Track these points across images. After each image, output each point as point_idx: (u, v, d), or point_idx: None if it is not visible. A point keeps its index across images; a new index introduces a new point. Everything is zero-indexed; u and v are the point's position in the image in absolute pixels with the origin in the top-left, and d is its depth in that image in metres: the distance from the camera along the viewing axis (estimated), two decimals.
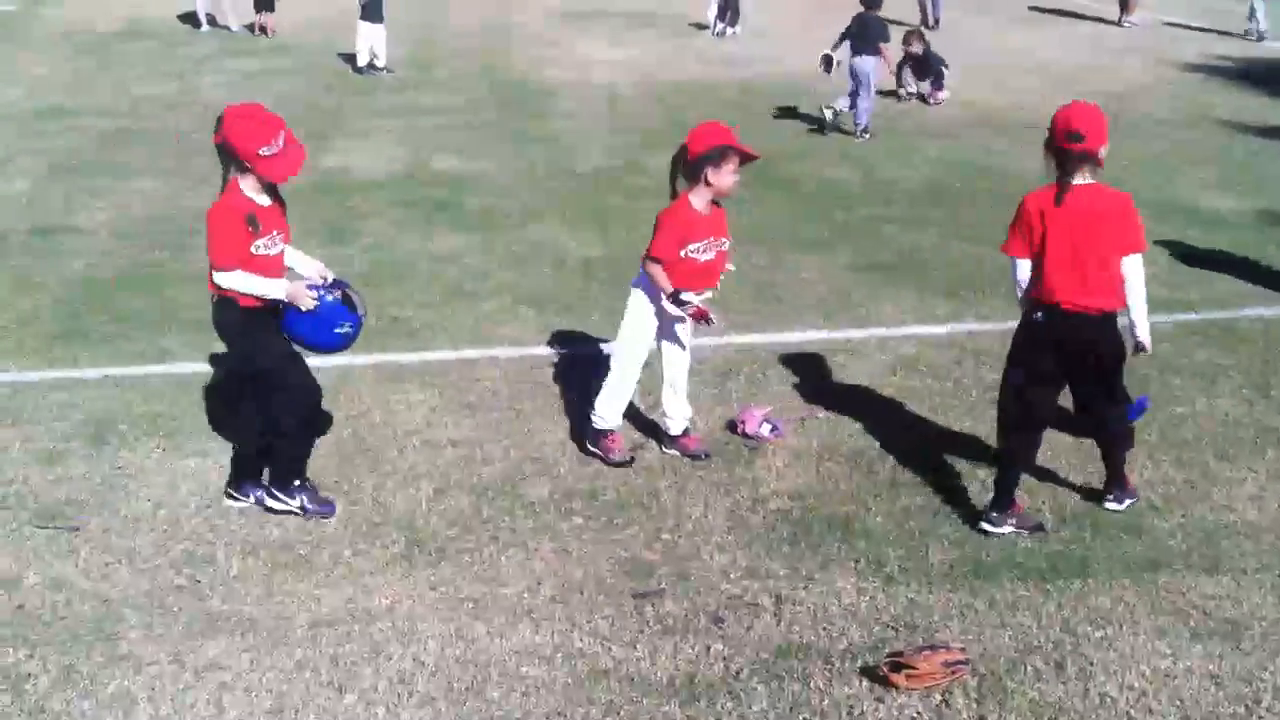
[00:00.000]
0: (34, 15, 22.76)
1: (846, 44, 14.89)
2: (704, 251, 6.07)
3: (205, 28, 21.31)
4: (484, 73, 18.25)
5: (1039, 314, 5.50)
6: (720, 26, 21.81)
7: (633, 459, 6.41)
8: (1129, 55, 20.04)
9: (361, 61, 17.94)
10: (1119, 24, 23.28)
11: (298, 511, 5.77)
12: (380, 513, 5.90)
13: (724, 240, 6.16)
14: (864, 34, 14.71)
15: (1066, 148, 5.35)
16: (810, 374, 7.57)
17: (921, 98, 16.41)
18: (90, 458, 6.41)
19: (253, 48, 19.97)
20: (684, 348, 6.44)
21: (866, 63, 14.55)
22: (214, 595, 5.20)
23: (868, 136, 14.46)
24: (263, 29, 20.89)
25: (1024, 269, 5.53)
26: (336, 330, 5.70)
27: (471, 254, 9.95)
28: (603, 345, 7.39)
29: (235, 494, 5.95)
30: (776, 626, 5.00)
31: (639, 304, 6.27)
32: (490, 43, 20.70)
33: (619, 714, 4.47)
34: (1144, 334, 5.55)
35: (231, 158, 5.48)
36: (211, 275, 5.48)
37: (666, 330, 6.36)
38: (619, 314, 6.40)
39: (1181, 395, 7.24)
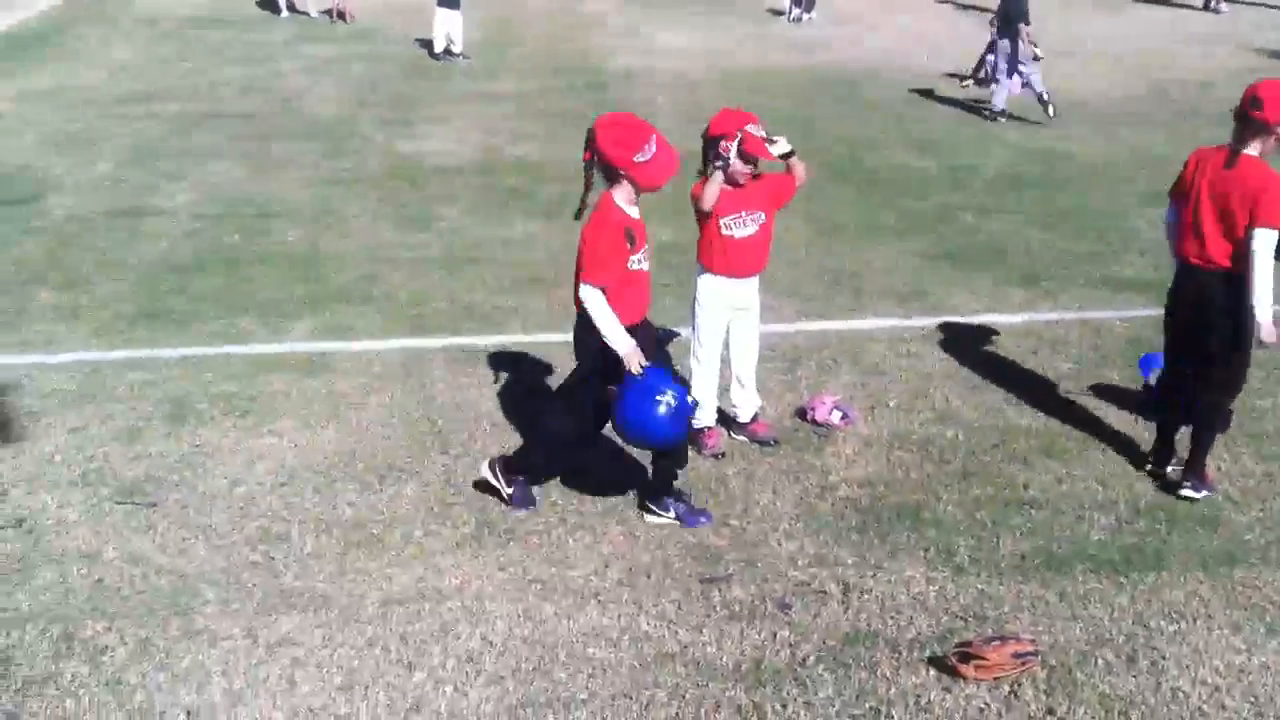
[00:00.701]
0: (119, 4, 23.15)
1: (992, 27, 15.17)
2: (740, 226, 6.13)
3: (285, 13, 21.55)
4: (559, 59, 18.30)
5: (1176, 269, 5.96)
6: (796, 12, 21.70)
7: (723, 454, 6.39)
8: (1214, 42, 19.67)
9: (438, 48, 18.06)
10: (1211, 9, 22.86)
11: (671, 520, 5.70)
12: (451, 494, 5.95)
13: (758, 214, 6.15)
14: (1003, 15, 14.90)
15: (1246, 113, 5.64)
16: (882, 361, 7.52)
17: (978, 82, 16.16)
18: (168, 436, 6.52)
19: (330, 34, 20.17)
20: (751, 340, 6.42)
21: (1004, 44, 14.68)
22: (288, 572, 5.27)
23: (1003, 120, 14.48)
24: (341, 15, 21.09)
25: (1172, 214, 5.96)
26: (658, 398, 5.36)
27: (545, 240, 9.99)
28: (676, 330, 7.38)
29: (655, 509, 5.75)
30: (844, 614, 4.98)
31: (703, 291, 6.25)
32: (565, 29, 20.75)
33: (684, 697, 4.47)
34: (1263, 314, 5.58)
35: (605, 169, 5.38)
36: (577, 290, 5.36)
37: (737, 321, 6.32)
38: (690, 298, 6.39)
39: (1261, 388, 7.10)
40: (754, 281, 6.29)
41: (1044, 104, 14.66)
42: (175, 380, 7.20)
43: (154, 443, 6.44)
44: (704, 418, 6.37)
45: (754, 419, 6.56)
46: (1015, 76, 14.81)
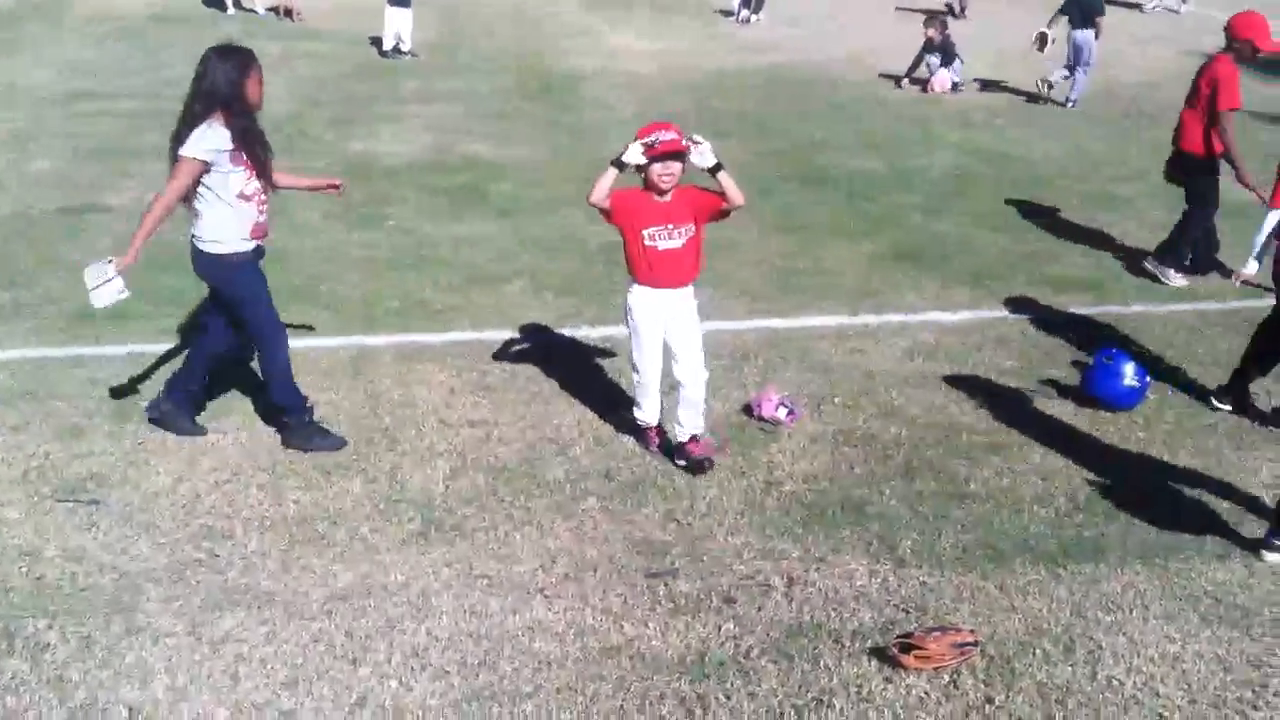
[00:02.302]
0: (64, 1, 22.89)
1: (1063, 19, 15.39)
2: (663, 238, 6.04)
3: (231, 10, 21.43)
4: (510, 59, 18.30)
5: None
6: (744, 14, 21.80)
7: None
8: (1155, 44, 19.96)
9: (387, 45, 18.02)
10: (1170, 9, 23.21)
11: None
12: (397, 490, 5.95)
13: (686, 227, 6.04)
14: (1083, 8, 15.16)
15: None
16: (828, 359, 7.58)
17: (922, 84, 16.33)
18: (112, 434, 6.47)
19: (279, 32, 20.06)
20: (689, 350, 6.17)
21: (1087, 36, 14.99)
22: (231, 569, 5.26)
23: (1074, 107, 15.02)
24: (288, 13, 20.99)
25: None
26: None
27: (496, 239, 10.00)
28: (624, 329, 7.40)
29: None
30: (788, 607, 5.03)
31: (632, 300, 6.19)
32: (516, 29, 20.75)
33: (629, 690, 4.50)
34: None
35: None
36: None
37: (672, 330, 6.16)
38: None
39: (1200, 383, 7.22)
40: (685, 291, 6.15)
41: (1047, 86, 15.39)
42: (118, 378, 7.14)
43: (97, 441, 6.40)
44: (646, 417, 6.39)
45: (692, 439, 6.25)
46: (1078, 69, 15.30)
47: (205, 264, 6.23)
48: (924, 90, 16.26)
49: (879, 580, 5.23)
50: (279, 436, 6.41)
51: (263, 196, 6.15)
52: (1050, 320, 8.31)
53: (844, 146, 13.46)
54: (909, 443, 6.49)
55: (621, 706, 4.42)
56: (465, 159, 12.69)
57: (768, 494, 5.97)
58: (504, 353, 7.58)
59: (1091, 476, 6.14)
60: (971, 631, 4.77)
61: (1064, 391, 7.07)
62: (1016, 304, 8.61)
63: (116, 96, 15.24)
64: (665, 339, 6.16)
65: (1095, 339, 7.77)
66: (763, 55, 18.68)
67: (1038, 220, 10.72)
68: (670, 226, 5.98)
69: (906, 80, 16.37)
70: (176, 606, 4.97)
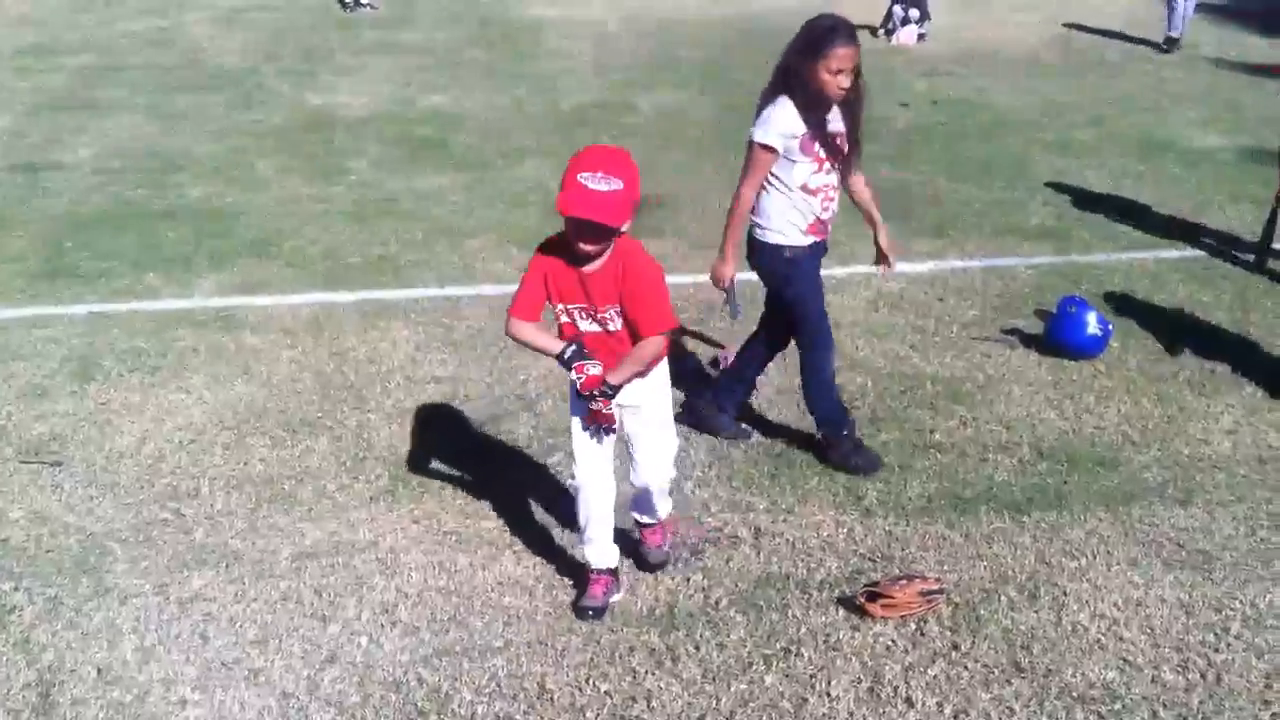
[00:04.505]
0: None
1: None
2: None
3: None
4: (470, 8, 18.11)
5: None
6: None
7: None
8: None
9: None
10: None
11: None
12: (364, 448, 5.93)
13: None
14: None
15: None
16: None
17: (888, 34, 16.29)
18: (74, 394, 6.42)
19: None
20: (648, 446, 4.75)
21: None
22: (198, 529, 5.24)
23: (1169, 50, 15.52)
24: None
25: None
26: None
27: (458, 192, 9.93)
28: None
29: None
30: (756, 558, 5.06)
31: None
32: None
33: (599, 643, 4.52)
34: None
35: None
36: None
37: (624, 419, 4.69)
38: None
39: (1163, 332, 7.27)
40: (644, 377, 4.53)
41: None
42: (81, 337, 7.08)
43: (60, 401, 6.34)
44: (593, 558, 4.78)
45: (646, 526, 5.04)
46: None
47: (763, 256, 5.70)
48: (889, 40, 16.20)
49: (845, 530, 5.26)
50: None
51: (830, 192, 5.51)
52: (1013, 270, 8.34)
53: None
54: (874, 393, 6.52)
55: (592, 659, 4.45)
56: (425, 111, 12.58)
57: (735, 446, 5.99)
58: (469, 309, 7.55)
59: (1055, 425, 6.19)
60: (937, 579, 4.81)
61: (1027, 341, 7.11)
62: (979, 254, 8.64)
63: (67, 51, 15.01)
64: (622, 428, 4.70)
65: (1058, 288, 7.80)
66: (726, 3, 18.56)
67: (1001, 170, 10.74)
68: (591, 308, 4.38)
69: (882, 32, 16.32)
70: (144, 567, 4.95)
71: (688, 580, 4.90)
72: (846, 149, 5.48)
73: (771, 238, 5.57)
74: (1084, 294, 7.46)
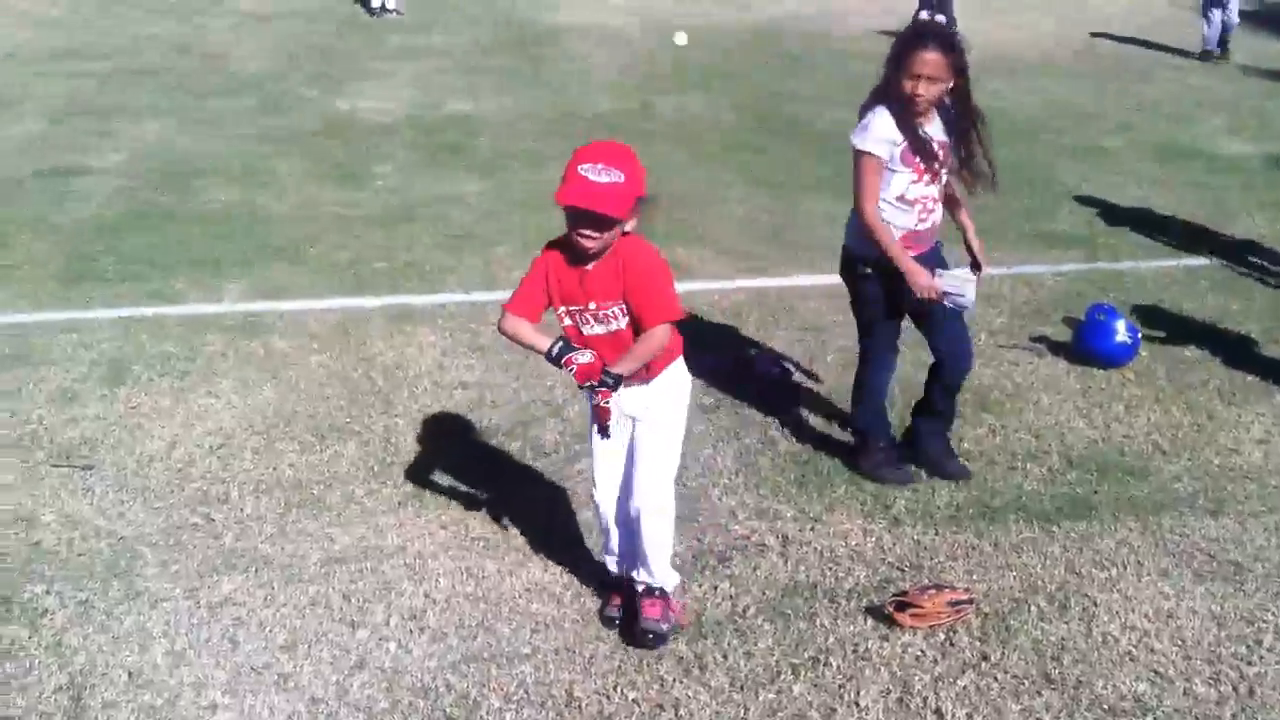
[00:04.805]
0: None
1: None
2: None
3: None
4: (493, 14, 18.17)
5: None
6: None
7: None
8: None
9: (375, 3, 17.84)
10: None
11: None
12: (391, 453, 5.95)
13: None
14: None
15: None
16: (819, 317, 7.58)
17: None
18: (104, 398, 6.45)
19: None
20: (645, 460, 4.44)
21: None
22: (228, 533, 5.25)
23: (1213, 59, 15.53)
24: None
25: None
26: None
27: (482, 197, 9.96)
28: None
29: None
30: (783, 566, 5.05)
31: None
32: None
33: (627, 650, 4.51)
34: None
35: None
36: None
37: (634, 431, 4.47)
38: None
39: (1191, 340, 7.24)
40: (647, 384, 4.34)
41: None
42: (110, 342, 7.12)
43: (90, 405, 6.37)
44: (612, 567, 4.78)
45: (648, 592, 4.60)
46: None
47: (845, 262, 5.63)
48: None
49: (874, 539, 5.25)
50: (847, 456, 5.91)
51: (928, 204, 5.38)
52: (1040, 277, 8.32)
53: (828, 101, 13.37)
54: (901, 401, 6.48)
55: (619, 667, 4.44)
56: (449, 116, 12.63)
57: (762, 454, 5.98)
58: (494, 314, 7.53)
59: (1084, 433, 6.17)
60: (966, 589, 4.80)
61: (1056, 348, 7.08)
62: (1006, 261, 8.58)
63: (94, 56, 15.10)
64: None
65: (1086, 295, 7.77)
66: (745, 10, 18.58)
67: (1025, 176, 10.71)
68: (593, 307, 4.22)
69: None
70: (174, 571, 4.97)
71: (715, 588, 4.90)
72: (946, 158, 5.35)
73: (861, 247, 5.47)
74: (1112, 301, 7.43)
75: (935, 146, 5.28)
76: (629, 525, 4.54)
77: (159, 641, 4.53)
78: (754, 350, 7.01)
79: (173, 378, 6.69)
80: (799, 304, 7.79)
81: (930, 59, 5.13)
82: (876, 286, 5.52)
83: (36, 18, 17.40)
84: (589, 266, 4.17)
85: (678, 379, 4.44)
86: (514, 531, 5.29)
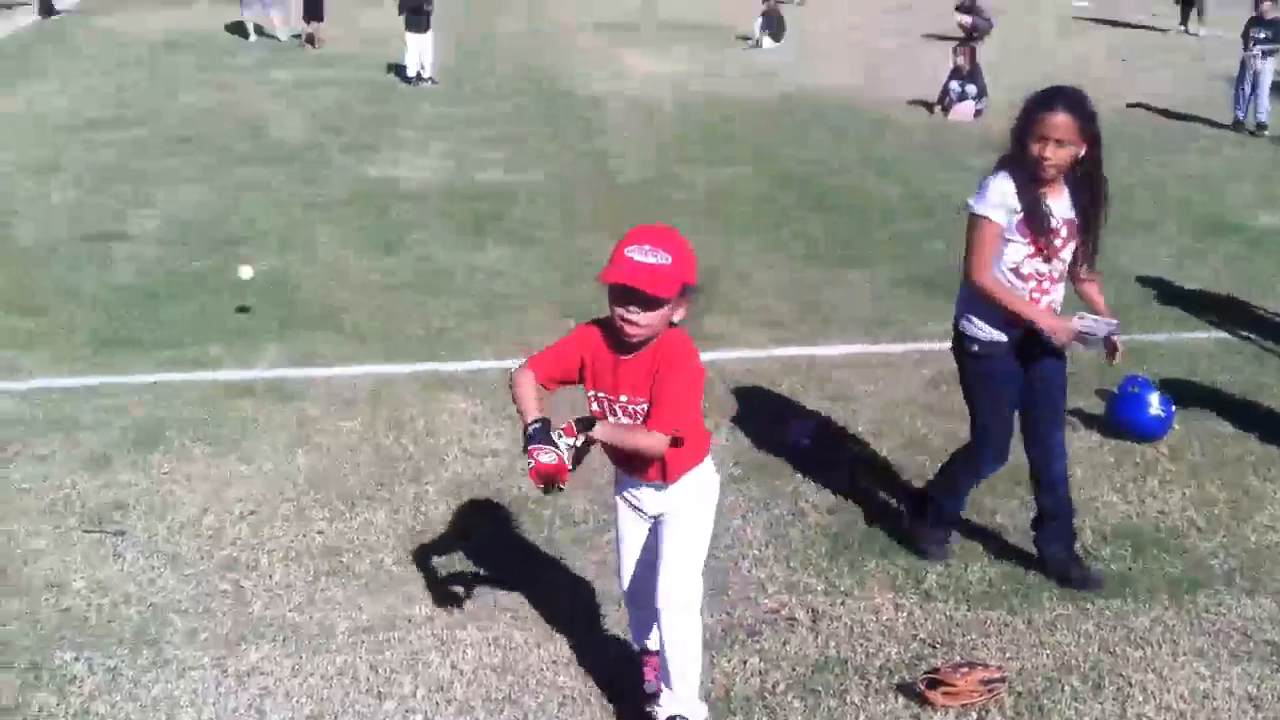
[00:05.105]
0: (84, 25, 23.06)
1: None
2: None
3: (253, 38, 21.55)
4: (527, 83, 18.38)
5: None
6: (769, 43, 21.77)
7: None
8: (1178, 68, 19.89)
9: (411, 72, 18.08)
10: (1187, 32, 23.20)
11: None
12: (422, 521, 5.95)
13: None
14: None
15: None
16: (850, 388, 7.56)
17: (944, 110, 16.33)
18: (136, 463, 6.49)
19: (300, 58, 20.21)
20: (666, 562, 4.22)
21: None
22: (257, 601, 5.25)
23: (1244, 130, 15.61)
24: (310, 39, 21.09)
25: None
26: None
27: (516, 265, 10.02)
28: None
29: None
30: (813, 641, 5.00)
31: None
32: (533, 54, 20.84)
33: None
34: None
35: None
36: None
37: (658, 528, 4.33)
38: None
39: (1226, 414, 7.18)
40: (664, 488, 4.16)
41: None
42: (143, 407, 7.17)
43: (122, 470, 6.41)
44: (636, 636, 4.68)
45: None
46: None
47: (955, 343, 5.39)
48: (945, 115, 16.25)
49: (905, 614, 5.20)
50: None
51: (1045, 284, 5.09)
52: (1073, 349, 8.25)
53: (862, 172, 13.47)
54: (934, 473, 6.46)
55: None
56: (483, 184, 12.74)
57: (792, 525, 5.95)
58: None
59: (1118, 508, 6.11)
60: (999, 667, 4.74)
61: (1089, 421, 7.03)
62: None
63: (135, 124, 15.36)
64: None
65: (1120, 367, 7.71)
66: (778, 80, 18.72)
67: None
68: (623, 399, 4.01)
69: (939, 108, 16.38)
70: (203, 639, 4.97)
71: (744, 663, 4.85)
72: (1069, 237, 5.01)
73: (969, 327, 5.23)
74: (1146, 374, 7.38)
75: (1055, 221, 4.97)
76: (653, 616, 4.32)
77: (186, 710, 4.53)
78: (784, 420, 6.99)
79: (205, 443, 6.73)
80: (830, 374, 7.78)
81: (1060, 122, 4.81)
82: (988, 369, 5.24)
83: (76, 85, 17.71)
84: (627, 356, 3.95)
85: (701, 482, 4.22)
86: (541, 602, 5.26)
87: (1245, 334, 8.60)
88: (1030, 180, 4.91)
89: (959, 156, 14.24)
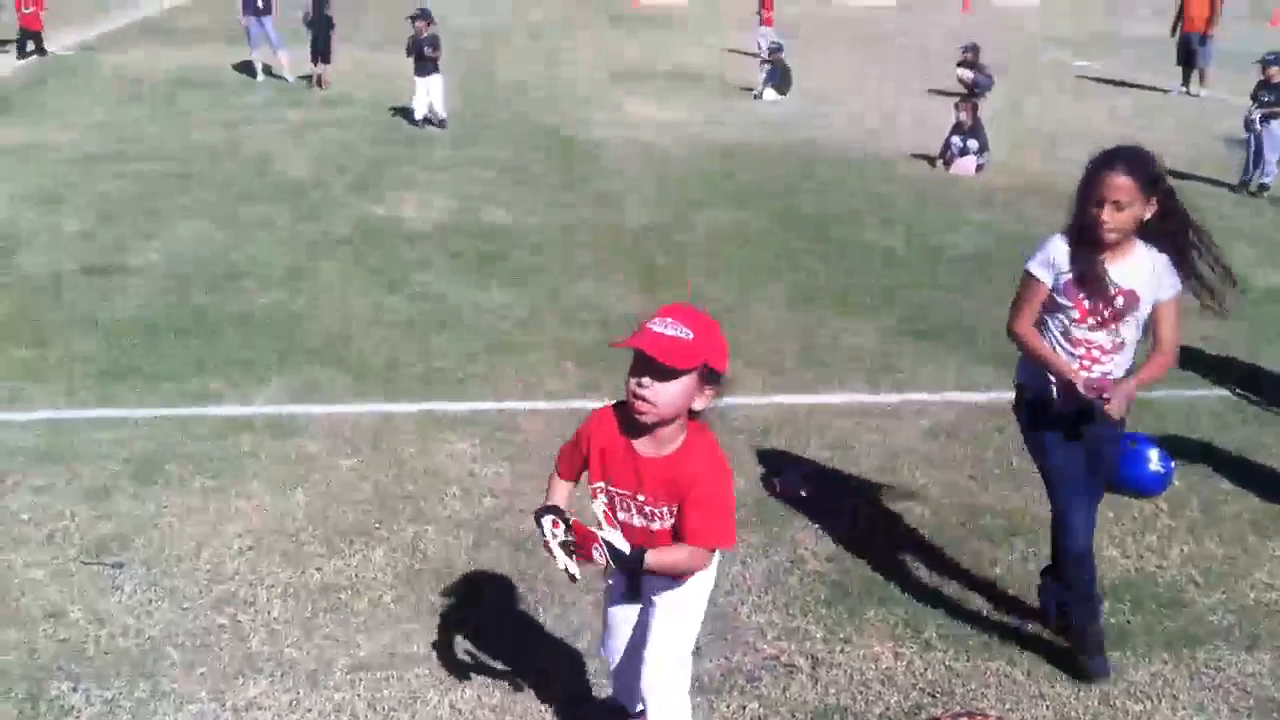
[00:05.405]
0: (93, 61, 23.22)
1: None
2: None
3: (260, 78, 21.68)
4: (532, 128, 18.47)
5: None
6: (773, 95, 21.88)
7: None
8: (1179, 128, 19.99)
9: (418, 115, 18.13)
10: (1188, 93, 23.35)
11: None
12: (420, 560, 5.94)
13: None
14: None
15: None
16: (850, 436, 7.58)
17: (945, 164, 16.41)
18: (136, 496, 6.49)
19: (307, 98, 20.30)
20: (653, 648, 4.12)
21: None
22: (254, 636, 5.24)
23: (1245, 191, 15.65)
24: (318, 80, 21.22)
25: None
26: None
27: (517, 307, 10.04)
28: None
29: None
30: (813, 688, 4.99)
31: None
32: (539, 99, 20.96)
33: None
34: None
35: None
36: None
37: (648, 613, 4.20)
38: None
39: (1225, 471, 7.20)
40: (656, 583, 4.03)
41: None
42: (144, 440, 7.17)
43: (121, 503, 6.41)
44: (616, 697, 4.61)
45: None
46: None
47: (1015, 404, 5.26)
48: (947, 169, 16.33)
49: (904, 663, 5.19)
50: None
51: (1096, 354, 4.89)
52: None
53: (863, 223, 13.51)
54: (933, 524, 6.47)
55: None
56: (487, 226, 12.78)
57: (791, 572, 5.95)
58: (526, 423, 7.59)
59: (1118, 563, 6.11)
60: (999, 718, 4.73)
61: None
62: None
63: (140, 159, 15.42)
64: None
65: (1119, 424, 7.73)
66: (783, 130, 18.83)
67: None
68: (641, 500, 3.85)
69: (940, 162, 16.47)
70: (200, 673, 4.95)
71: (744, 708, 4.85)
72: (1127, 306, 4.77)
73: (1022, 374, 5.14)
74: (1145, 430, 7.40)
75: (1110, 287, 4.72)
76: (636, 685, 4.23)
77: None
78: (783, 468, 7.00)
79: (205, 477, 6.73)
80: (829, 422, 7.80)
81: (1119, 184, 4.61)
82: (1038, 417, 5.07)
83: (84, 120, 17.79)
84: (649, 454, 3.78)
85: (708, 572, 4.06)
86: (540, 643, 5.26)
87: (1245, 393, 8.63)
88: (1088, 243, 4.73)
89: (960, 209, 14.34)
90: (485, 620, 5.42)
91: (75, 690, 4.79)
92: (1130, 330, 4.85)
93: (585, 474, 3.98)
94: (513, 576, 5.80)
